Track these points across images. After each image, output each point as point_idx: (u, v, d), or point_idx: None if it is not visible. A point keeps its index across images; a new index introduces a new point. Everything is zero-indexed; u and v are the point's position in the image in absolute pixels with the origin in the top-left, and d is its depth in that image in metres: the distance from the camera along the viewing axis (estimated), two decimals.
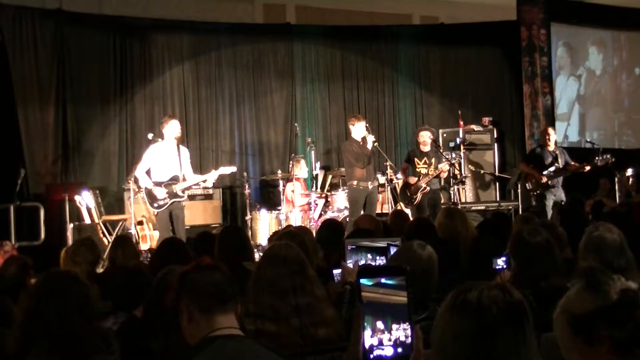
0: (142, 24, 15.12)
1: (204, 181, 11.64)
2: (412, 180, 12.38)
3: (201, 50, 15.67)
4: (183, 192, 11.10)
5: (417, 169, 12.47)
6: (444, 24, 17.44)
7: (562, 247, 5.82)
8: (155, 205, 10.90)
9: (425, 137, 12.66)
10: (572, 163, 13.14)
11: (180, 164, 11.09)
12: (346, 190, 12.72)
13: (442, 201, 13.29)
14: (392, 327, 2.21)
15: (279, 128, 16.13)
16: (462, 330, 2.27)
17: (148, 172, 10.97)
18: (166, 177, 10.96)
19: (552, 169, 12.99)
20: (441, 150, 13.41)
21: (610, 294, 2.38)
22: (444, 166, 12.48)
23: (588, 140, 15.25)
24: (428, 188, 12.36)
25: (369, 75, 16.91)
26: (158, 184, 10.91)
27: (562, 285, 4.59)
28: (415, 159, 12.56)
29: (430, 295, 4.13)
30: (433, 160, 12.55)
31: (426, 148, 12.61)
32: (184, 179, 11.07)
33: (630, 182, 14.35)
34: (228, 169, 11.76)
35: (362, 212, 11.46)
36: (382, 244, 5.19)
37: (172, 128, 11.10)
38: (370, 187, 11.98)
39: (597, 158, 13.02)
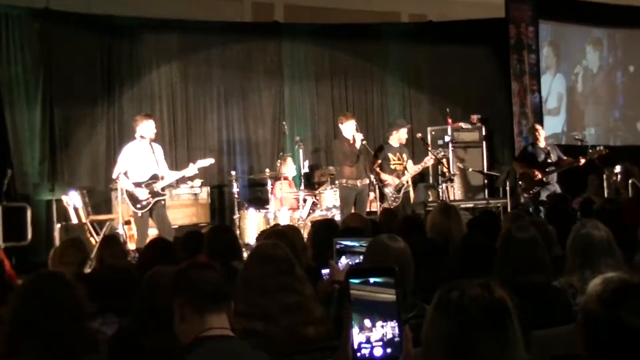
0: (130, 23, 15.07)
1: (185, 177, 11.70)
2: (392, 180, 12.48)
3: (189, 49, 15.64)
4: (163, 190, 11.14)
5: (390, 166, 12.55)
6: (433, 21, 17.42)
7: (551, 244, 5.84)
8: (138, 206, 10.92)
9: (405, 134, 12.81)
10: (565, 158, 13.22)
11: (157, 162, 11.11)
12: (334, 189, 12.77)
13: (431, 199, 13.37)
14: (380, 324, 2.22)
15: (267, 127, 16.11)
16: (443, 330, 2.28)
17: (126, 174, 10.98)
18: (145, 176, 10.99)
19: (552, 168, 13.10)
20: (429, 148, 13.48)
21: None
22: (429, 160, 12.65)
23: (577, 137, 15.26)
24: (410, 187, 12.49)
25: (357, 73, 16.90)
26: (138, 185, 10.93)
27: (542, 283, 4.62)
28: (390, 155, 12.62)
29: (407, 289, 4.12)
30: (404, 155, 12.68)
31: (397, 144, 12.72)
32: (163, 177, 11.09)
33: (618, 178, 14.38)
34: (206, 161, 11.78)
35: (352, 211, 11.51)
36: None
37: (148, 127, 11.12)
38: (359, 185, 12.01)
39: (590, 150, 13.11)
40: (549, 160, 13.36)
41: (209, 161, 11.89)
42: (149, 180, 10.97)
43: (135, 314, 4.06)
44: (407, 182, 12.63)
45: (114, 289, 4.76)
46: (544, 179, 13.17)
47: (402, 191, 12.53)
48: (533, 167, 13.32)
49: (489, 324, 2.25)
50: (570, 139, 16.24)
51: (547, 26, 17.25)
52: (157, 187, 10.99)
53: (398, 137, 12.87)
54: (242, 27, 16.35)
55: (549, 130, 16.64)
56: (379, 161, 12.63)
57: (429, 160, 12.86)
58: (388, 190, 12.48)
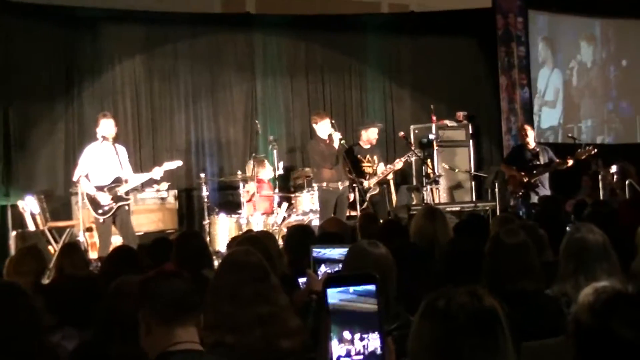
0: (91, 15, 14.97)
1: (150, 180, 11.70)
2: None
3: (154, 42, 15.57)
4: (127, 194, 11.13)
5: (361, 169, 12.62)
6: (414, 12, 17.40)
7: (543, 249, 5.86)
8: (100, 211, 10.90)
9: (375, 134, 12.90)
10: (557, 160, 13.29)
11: (120, 164, 11.10)
12: (311, 192, 12.77)
13: (414, 202, 13.41)
14: (360, 336, 2.22)
15: (239, 125, 16.05)
16: (430, 340, 2.28)
17: (87, 176, 10.95)
18: (107, 179, 10.97)
19: (540, 170, 13.17)
20: (412, 148, 13.53)
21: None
22: (397, 163, 12.73)
23: (570, 135, 15.35)
24: (377, 189, 12.57)
25: (334, 68, 16.87)
26: (100, 189, 10.90)
27: (535, 290, 4.64)
28: (359, 157, 12.69)
29: (390, 298, 4.13)
30: (375, 158, 12.75)
31: (368, 145, 12.81)
32: (126, 181, 11.08)
33: (614, 179, 14.44)
34: (173, 164, 11.80)
35: (332, 215, 11.51)
36: None
37: (106, 127, 11.13)
38: (340, 187, 12.03)
39: (579, 150, 13.19)
40: (537, 162, 13.42)
41: (176, 164, 11.89)
42: (111, 183, 10.96)
43: (98, 327, 4.04)
44: (375, 184, 12.73)
45: (75, 300, 4.74)
46: (531, 181, 13.24)
47: (369, 194, 12.56)
48: (520, 170, 13.39)
49: (478, 333, 2.25)
50: (567, 132, 16.41)
51: (542, 20, 17.44)
52: (121, 191, 10.98)
53: (367, 137, 12.95)
54: (210, 18, 16.24)
55: (545, 122, 17.06)
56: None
57: (397, 163, 12.94)
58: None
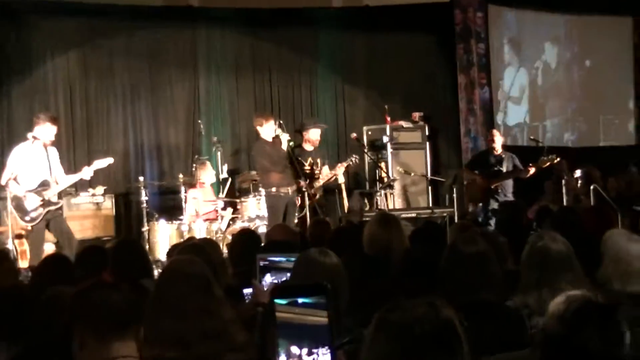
0: (21, 7, 14.82)
1: (84, 184, 11.61)
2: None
3: (90, 36, 15.42)
4: (58, 197, 11.02)
5: (303, 172, 12.59)
6: (369, 6, 17.35)
7: (503, 258, 5.89)
8: (28, 218, 10.79)
9: (317, 135, 12.85)
10: (522, 169, 13.41)
11: (50, 167, 10.99)
12: (258, 198, 12.74)
13: (367, 208, 13.41)
14: (309, 351, 2.21)
15: (180, 126, 15.97)
16: (384, 353, 2.28)
17: (15, 179, 10.84)
18: (35, 183, 10.85)
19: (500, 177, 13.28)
20: (365, 151, 13.52)
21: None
22: (339, 168, 12.71)
23: (532, 137, 15.47)
24: (318, 195, 12.54)
25: (283, 65, 16.83)
26: (27, 192, 10.80)
27: (495, 301, 4.66)
28: (301, 160, 12.66)
29: (341, 311, 4.13)
30: (318, 160, 12.73)
31: (311, 147, 12.78)
32: (56, 182, 10.98)
33: (579, 184, 14.55)
34: (104, 162, 11.68)
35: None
36: None
37: (47, 132, 11.02)
38: (290, 192, 12.02)
39: (542, 158, 13.29)
40: (500, 168, 13.52)
41: (107, 161, 11.77)
42: (38, 187, 10.85)
43: (29, 341, 4.01)
44: (318, 189, 12.71)
45: (3, 312, 4.69)
46: (492, 187, 13.33)
47: (313, 200, 12.52)
48: (482, 176, 13.48)
49: (435, 347, 2.25)
50: (533, 131, 16.54)
51: (508, 18, 17.64)
52: (48, 194, 10.87)
53: (309, 138, 12.88)
54: (150, 11, 16.02)
55: (512, 119, 17.09)
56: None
57: (339, 168, 12.89)
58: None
